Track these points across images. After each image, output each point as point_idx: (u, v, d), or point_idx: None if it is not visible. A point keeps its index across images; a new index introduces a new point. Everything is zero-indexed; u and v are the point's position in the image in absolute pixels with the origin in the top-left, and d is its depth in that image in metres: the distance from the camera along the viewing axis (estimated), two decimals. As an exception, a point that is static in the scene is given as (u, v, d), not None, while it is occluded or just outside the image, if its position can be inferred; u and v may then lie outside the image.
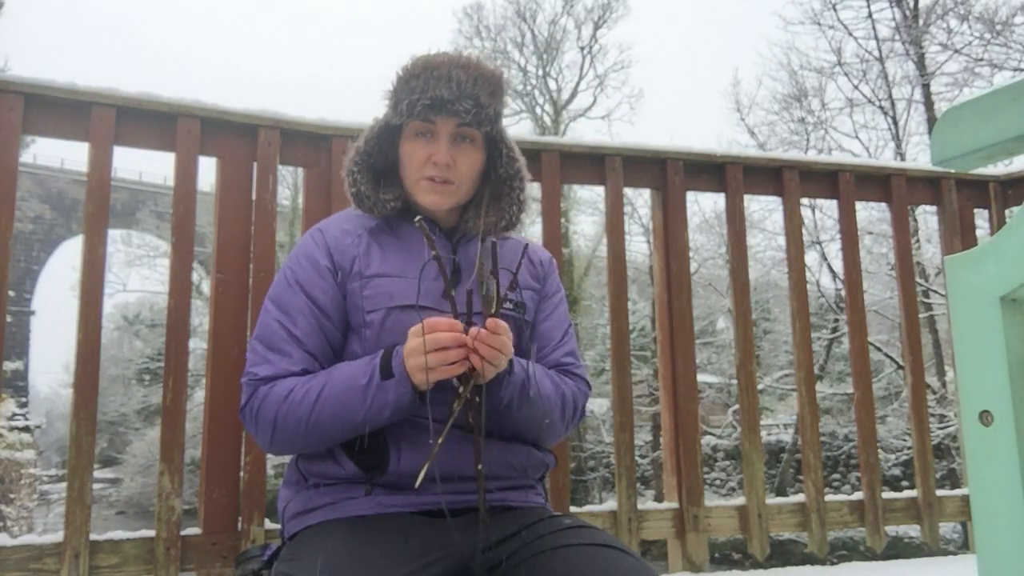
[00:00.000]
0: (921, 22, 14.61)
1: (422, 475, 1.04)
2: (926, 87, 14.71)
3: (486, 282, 1.25)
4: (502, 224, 1.28)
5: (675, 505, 2.23)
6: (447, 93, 1.18)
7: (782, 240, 2.79)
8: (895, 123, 15.53)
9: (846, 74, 15.92)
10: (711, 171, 2.44)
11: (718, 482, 16.20)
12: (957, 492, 2.51)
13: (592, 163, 2.33)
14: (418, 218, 1.09)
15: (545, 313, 1.36)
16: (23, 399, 27.25)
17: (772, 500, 2.31)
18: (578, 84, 24.46)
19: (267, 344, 1.19)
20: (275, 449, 1.20)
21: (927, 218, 13.21)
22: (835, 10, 15.82)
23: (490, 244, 1.26)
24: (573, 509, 2.10)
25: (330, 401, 1.11)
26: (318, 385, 1.12)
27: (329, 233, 1.28)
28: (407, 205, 1.28)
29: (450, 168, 1.22)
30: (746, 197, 2.49)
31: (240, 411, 1.20)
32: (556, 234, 2.22)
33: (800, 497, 2.36)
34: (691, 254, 2.42)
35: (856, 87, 15.79)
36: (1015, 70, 13.32)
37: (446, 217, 1.29)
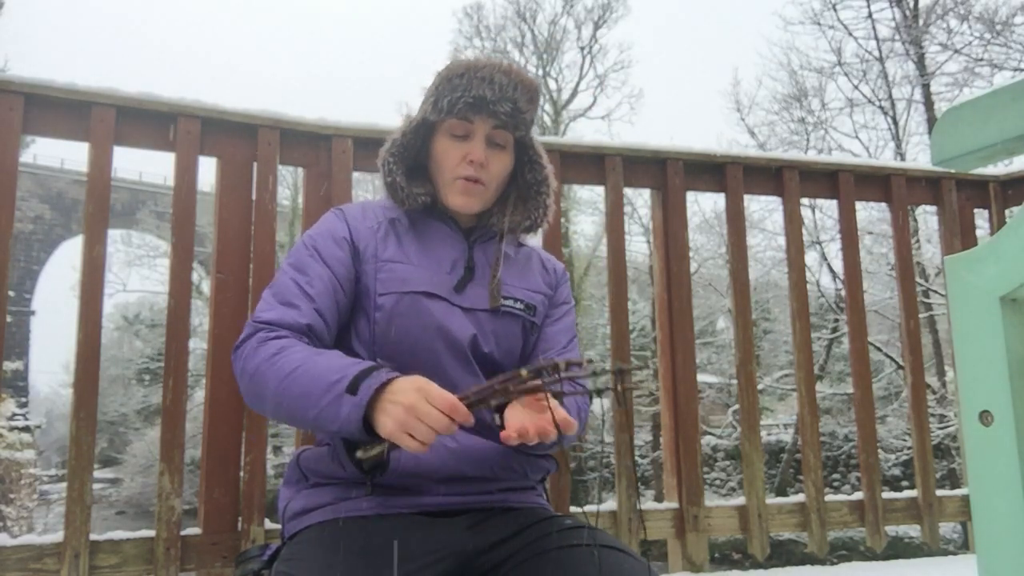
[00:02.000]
0: (921, 22, 14.62)
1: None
2: (926, 87, 14.72)
3: (497, 280, 1.27)
4: (526, 224, 1.32)
5: (675, 505, 2.23)
6: (489, 94, 1.21)
7: (782, 240, 2.79)
8: (895, 123, 15.54)
9: (846, 74, 15.94)
10: (711, 171, 2.44)
11: (718, 482, 16.20)
12: (957, 492, 2.50)
13: (592, 163, 2.33)
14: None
15: (553, 319, 1.37)
16: (23, 399, 27.24)
17: (772, 500, 2.31)
18: (578, 84, 24.47)
19: (278, 297, 1.18)
20: (247, 401, 1.15)
21: (927, 218, 13.22)
22: (835, 10, 15.84)
23: (504, 244, 1.29)
24: (573, 509, 2.10)
25: (298, 382, 1.04)
26: (299, 360, 1.06)
27: (350, 213, 1.30)
28: (434, 201, 1.30)
29: (483, 168, 1.25)
30: (746, 197, 2.49)
31: (234, 349, 1.16)
32: (556, 234, 2.22)
33: (800, 497, 2.36)
34: (691, 254, 2.42)
35: (856, 87, 15.81)
36: (1015, 70, 13.32)
37: (467, 217, 1.32)
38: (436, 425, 0.94)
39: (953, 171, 2.60)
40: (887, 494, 2.42)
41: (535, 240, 1.45)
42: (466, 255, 1.29)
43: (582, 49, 24.39)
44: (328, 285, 1.20)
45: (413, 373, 1.18)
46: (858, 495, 2.40)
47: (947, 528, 9.37)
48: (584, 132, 24.11)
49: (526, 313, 1.30)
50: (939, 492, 2.45)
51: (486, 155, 1.25)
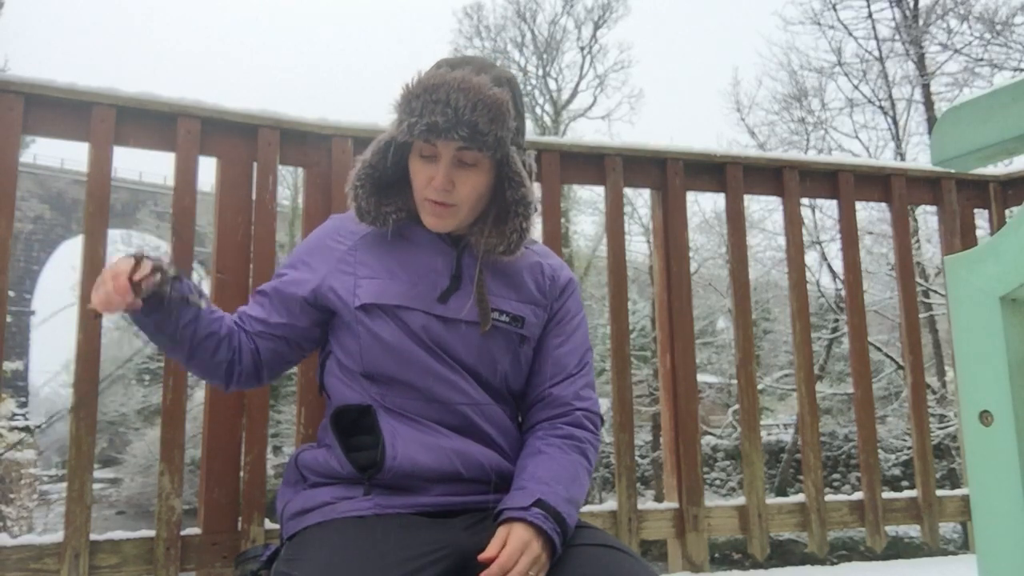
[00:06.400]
0: (921, 22, 14.61)
1: None
2: (926, 87, 14.71)
3: (483, 298, 1.25)
4: (500, 249, 1.26)
5: (675, 505, 2.23)
6: (442, 120, 1.14)
7: (782, 240, 2.78)
8: (895, 123, 15.53)
9: (846, 74, 15.92)
10: (711, 171, 2.44)
11: (718, 482, 16.19)
12: (957, 492, 2.50)
13: (592, 163, 2.33)
14: None
15: (560, 338, 1.34)
16: (23, 399, 27.22)
17: (772, 500, 2.31)
18: (578, 84, 24.50)
19: (256, 290, 1.36)
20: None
21: (927, 218, 13.20)
22: (835, 10, 15.82)
23: (488, 262, 1.27)
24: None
25: None
26: None
27: (339, 228, 1.33)
28: (412, 215, 1.28)
29: (449, 192, 1.21)
30: (746, 197, 2.49)
31: None
32: (556, 234, 2.22)
33: (800, 497, 2.36)
34: (691, 254, 2.42)
35: (856, 87, 15.79)
36: (1015, 70, 13.32)
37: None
38: (102, 285, 1.10)
39: (953, 171, 2.60)
40: (887, 494, 2.42)
41: (533, 231, 1.43)
42: (452, 264, 1.27)
43: (582, 49, 24.42)
44: (276, 300, 1.30)
45: (406, 385, 1.22)
46: (858, 495, 2.40)
47: (947, 528, 9.36)
48: (584, 132, 24.14)
49: (512, 325, 1.27)
50: (939, 492, 2.45)
51: (452, 177, 1.20)
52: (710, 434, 16.76)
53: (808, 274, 13.21)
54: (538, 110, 24.20)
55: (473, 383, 1.24)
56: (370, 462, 1.18)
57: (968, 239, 2.66)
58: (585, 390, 1.32)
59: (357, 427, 1.22)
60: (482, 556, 1.07)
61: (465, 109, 1.15)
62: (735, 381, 3.29)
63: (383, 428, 1.19)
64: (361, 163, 1.28)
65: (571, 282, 1.40)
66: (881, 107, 15.60)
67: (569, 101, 24.48)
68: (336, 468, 1.20)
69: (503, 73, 1.25)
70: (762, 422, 3.44)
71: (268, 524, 1.87)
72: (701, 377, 17.13)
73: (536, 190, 2.17)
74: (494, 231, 1.26)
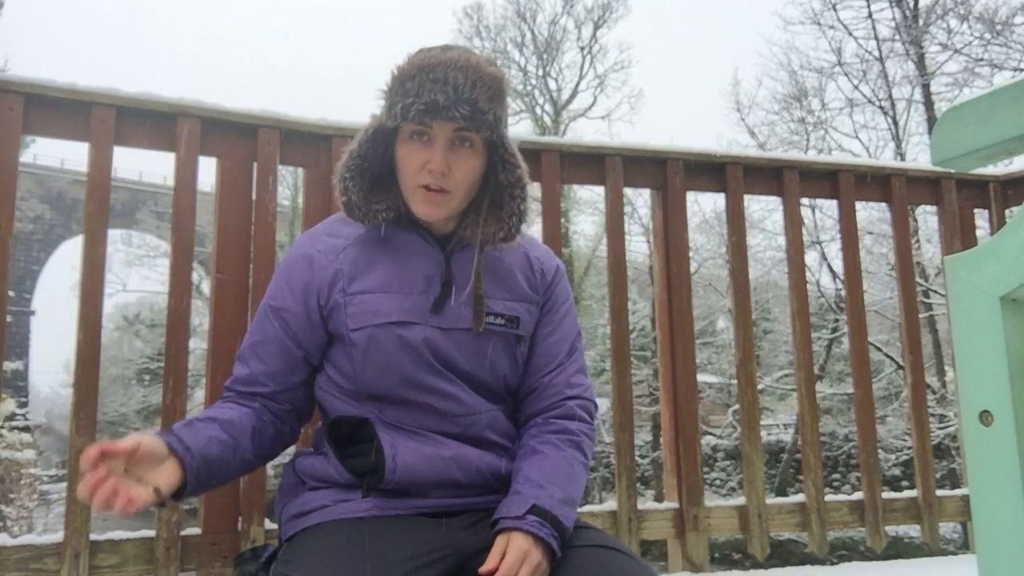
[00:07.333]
0: (921, 22, 14.62)
1: None
2: (926, 87, 14.72)
3: (479, 296, 1.22)
4: (500, 235, 1.22)
5: (675, 505, 2.23)
6: (442, 98, 1.11)
7: (782, 240, 2.78)
8: (895, 123, 15.54)
9: (846, 74, 15.93)
10: (711, 171, 2.44)
11: (718, 482, 16.19)
12: (957, 492, 2.50)
13: (592, 163, 2.33)
14: None
15: (549, 327, 1.31)
16: (23, 399, 27.21)
17: (772, 500, 2.31)
18: (578, 84, 24.52)
19: (244, 348, 1.28)
20: None
21: (927, 218, 13.21)
22: (835, 10, 15.84)
23: (484, 259, 1.24)
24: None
25: None
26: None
27: (315, 247, 1.26)
28: (400, 214, 1.23)
29: (445, 176, 1.16)
30: (746, 197, 2.49)
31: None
32: (556, 234, 2.22)
33: (800, 497, 2.36)
34: (691, 254, 2.42)
35: (856, 87, 15.80)
36: (1015, 70, 13.33)
37: (442, 224, 1.24)
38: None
39: (953, 171, 2.60)
40: (887, 494, 2.42)
41: (533, 230, 1.40)
42: (442, 269, 1.23)
43: (582, 49, 24.43)
44: (275, 346, 1.24)
45: (404, 401, 1.19)
46: (858, 495, 2.40)
47: (947, 528, 9.35)
48: (584, 132, 24.14)
49: (508, 326, 1.25)
50: (939, 492, 2.45)
51: (448, 161, 1.15)
52: (710, 434, 16.77)
53: (808, 274, 13.20)
54: (538, 110, 24.24)
55: (471, 392, 1.22)
56: (368, 468, 1.17)
57: (968, 239, 2.66)
58: (576, 376, 1.30)
59: (354, 438, 1.20)
60: (483, 569, 1.07)
61: (465, 87, 1.12)
62: (735, 381, 3.29)
63: (383, 440, 1.17)
64: (348, 154, 1.23)
65: (558, 270, 1.37)
66: (881, 107, 15.62)
67: (569, 101, 24.51)
68: (333, 475, 1.20)
69: (490, 57, 1.24)
70: (762, 422, 3.45)
71: (268, 524, 1.87)
72: (701, 377, 17.14)
73: (536, 190, 2.18)
74: (491, 217, 1.23)
